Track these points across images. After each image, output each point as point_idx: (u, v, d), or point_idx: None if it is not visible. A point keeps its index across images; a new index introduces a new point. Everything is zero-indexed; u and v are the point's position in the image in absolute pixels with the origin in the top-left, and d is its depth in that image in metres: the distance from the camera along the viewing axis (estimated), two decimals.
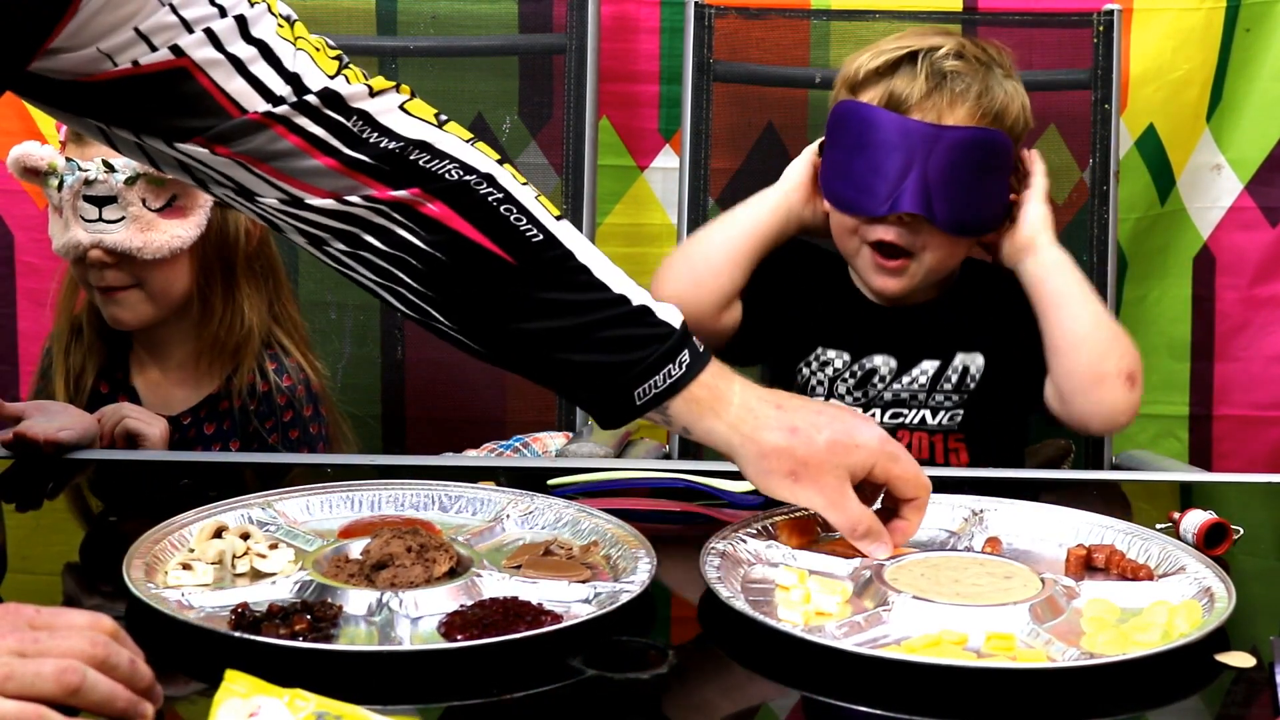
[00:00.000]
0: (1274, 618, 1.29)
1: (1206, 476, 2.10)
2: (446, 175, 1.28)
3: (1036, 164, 1.84)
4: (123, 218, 1.84)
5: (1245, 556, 1.41)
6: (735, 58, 2.28)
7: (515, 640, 1.13)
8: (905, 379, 1.82)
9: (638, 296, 1.32)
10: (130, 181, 1.83)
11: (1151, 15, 2.36)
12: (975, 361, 1.82)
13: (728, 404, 1.31)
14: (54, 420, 1.69)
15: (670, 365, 1.29)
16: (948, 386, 1.81)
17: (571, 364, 1.31)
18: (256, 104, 1.24)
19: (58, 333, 2.02)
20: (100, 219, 1.85)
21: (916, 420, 1.81)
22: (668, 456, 2.05)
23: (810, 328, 1.87)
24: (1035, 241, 1.80)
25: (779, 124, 2.29)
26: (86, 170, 1.83)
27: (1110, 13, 2.23)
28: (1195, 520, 1.39)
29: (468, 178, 1.28)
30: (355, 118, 1.27)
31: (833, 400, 1.83)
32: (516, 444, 1.99)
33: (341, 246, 1.30)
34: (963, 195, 1.76)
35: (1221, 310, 2.48)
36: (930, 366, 1.82)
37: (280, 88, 1.25)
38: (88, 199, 1.85)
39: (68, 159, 1.85)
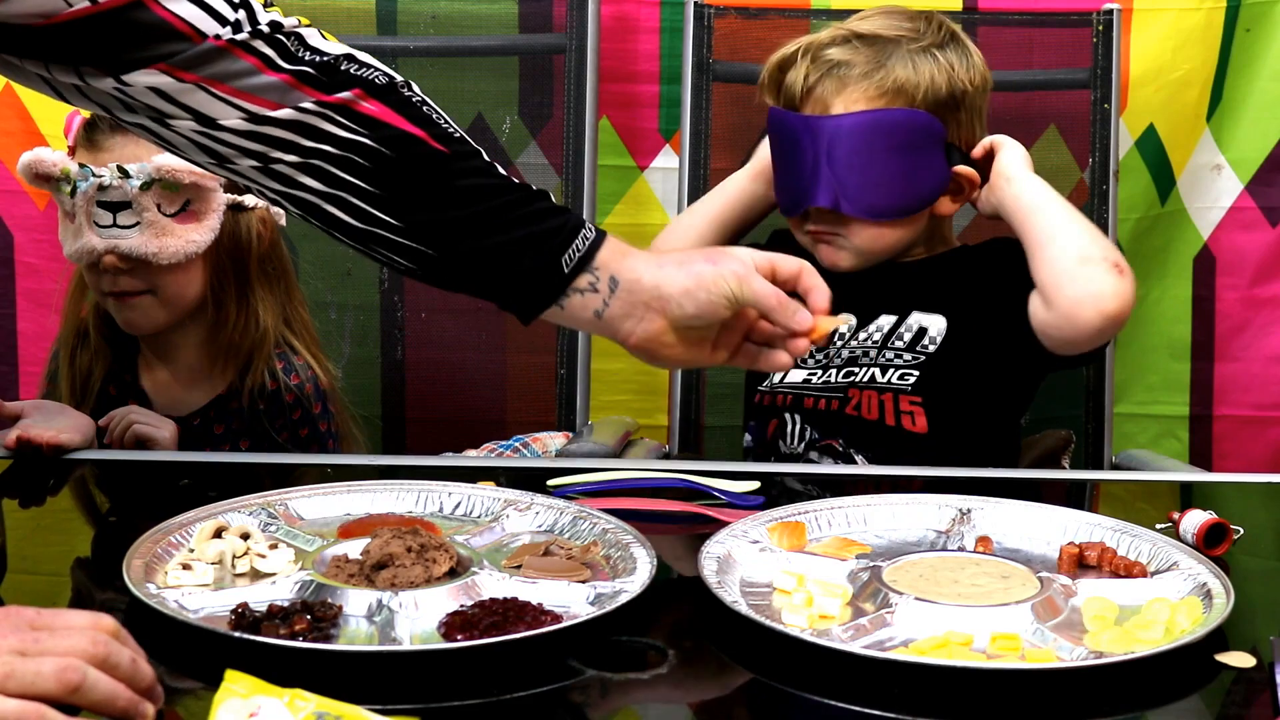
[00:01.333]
0: (1274, 618, 1.29)
1: (1206, 476, 2.10)
2: (376, 80, 1.41)
3: (1000, 139, 1.80)
4: (137, 223, 1.84)
5: (1245, 556, 1.41)
6: (735, 58, 2.29)
7: (515, 640, 1.13)
8: (861, 335, 1.81)
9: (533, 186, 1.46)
10: (145, 187, 1.82)
11: (1151, 15, 2.36)
12: (936, 324, 1.79)
13: (637, 249, 1.46)
14: (53, 421, 1.68)
15: (585, 229, 1.43)
16: (899, 344, 1.79)
17: (506, 245, 1.41)
18: (210, 27, 1.34)
19: (64, 337, 2.01)
20: (114, 224, 1.84)
21: (866, 378, 1.79)
22: (668, 456, 2.05)
23: None
24: (1010, 171, 1.77)
25: None
26: (100, 176, 1.82)
27: (1110, 13, 2.23)
28: (1195, 520, 1.40)
29: (394, 80, 1.42)
30: (292, 39, 1.39)
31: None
32: (516, 444, 1.99)
33: (293, 159, 1.39)
34: (872, 179, 1.75)
35: (1221, 310, 2.48)
36: (886, 323, 1.81)
37: (230, 13, 1.35)
38: (101, 205, 1.84)
39: (80, 165, 1.84)
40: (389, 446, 2.34)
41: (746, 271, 1.39)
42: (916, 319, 1.80)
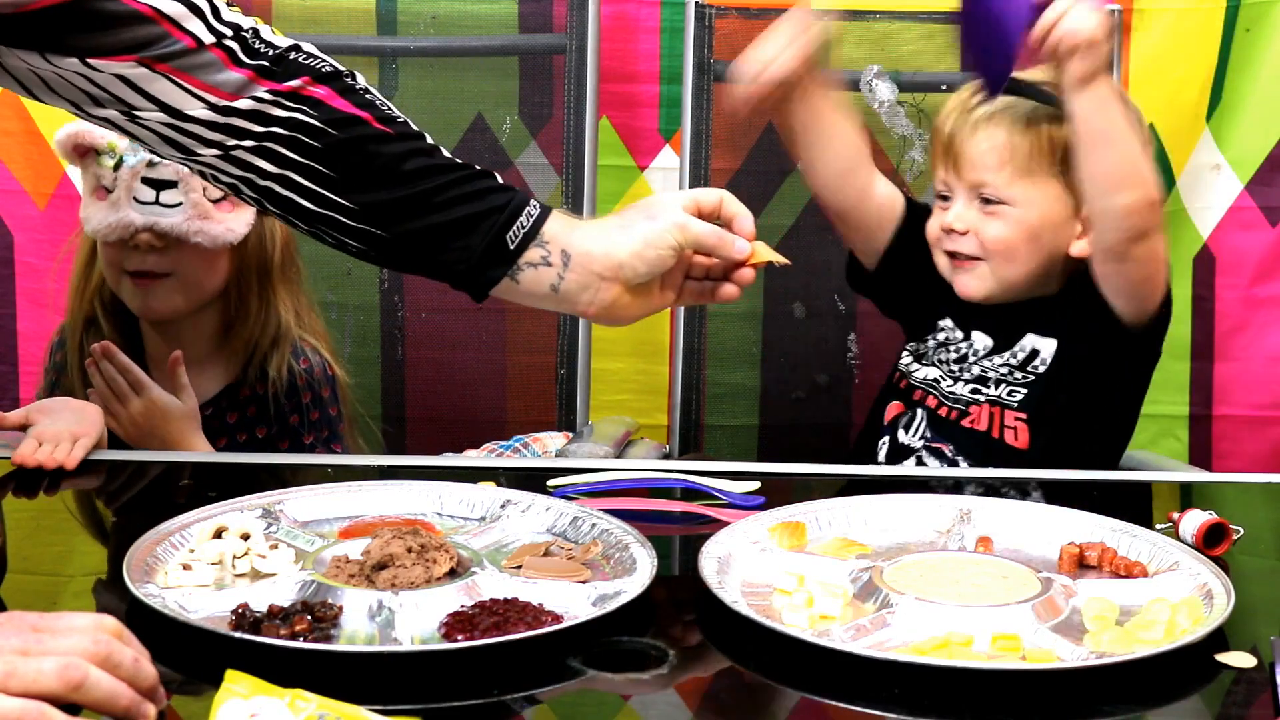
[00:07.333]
0: (1274, 618, 1.29)
1: (1206, 476, 2.10)
2: (322, 68, 1.47)
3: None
4: (181, 203, 1.82)
5: (1245, 556, 1.41)
6: (735, 58, 2.28)
7: (515, 640, 1.14)
8: (996, 359, 1.83)
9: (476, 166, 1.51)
10: None
11: (1151, 15, 2.36)
12: (1047, 346, 1.81)
13: (583, 220, 1.53)
14: (59, 422, 1.66)
15: (529, 205, 1.47)
16: (1013, 363, 1.81)
17: (450, 223, 1.46)
18: (191, 25, 1.40)
19: (71, 325, 2.00)
20: (157, 202, 1.82)
21: (972, 392, 1.83)
22: (668, 456, 2.05)
23: (936, 300, 1.90)
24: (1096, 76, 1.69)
25: (779, 124, 2.28)
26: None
27: (1110, 13, 2.23)
28: (1195, 521, 1.40)
29: (339, 70, 1.48)
30: (250, 33, 1.46)
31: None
32: (516, 444, 1.99)
33: (249, 144, 1.45)
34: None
35: (1221, 310, 2.48)
36: (1037, 344, 1.82)
37: (207, 9, 1.41)
38: (146, 181, 1.82)
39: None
40: (389, 446, 2.34)
41: (684, 218, 1.47)
42: (1030, 340, 1.82)
